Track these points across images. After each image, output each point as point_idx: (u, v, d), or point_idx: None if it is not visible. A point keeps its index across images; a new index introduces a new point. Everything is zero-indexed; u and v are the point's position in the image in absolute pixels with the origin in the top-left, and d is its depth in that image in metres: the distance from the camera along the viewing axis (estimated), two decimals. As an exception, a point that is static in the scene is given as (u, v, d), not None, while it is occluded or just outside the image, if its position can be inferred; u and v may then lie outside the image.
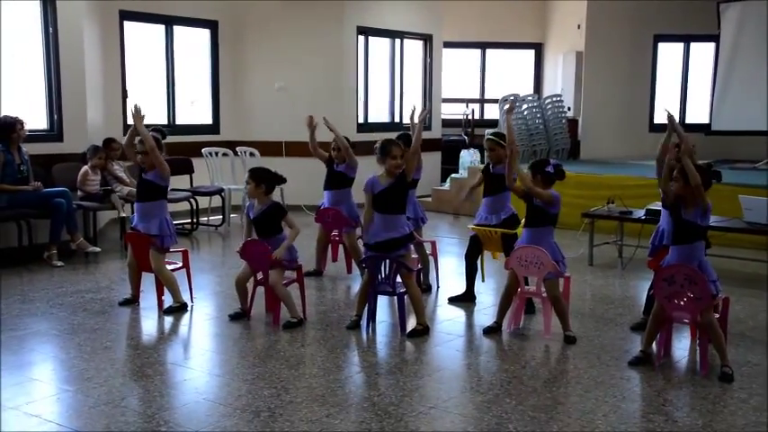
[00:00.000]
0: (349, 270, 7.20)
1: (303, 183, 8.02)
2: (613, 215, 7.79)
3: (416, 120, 5.77)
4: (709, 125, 12.09)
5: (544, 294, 5.36)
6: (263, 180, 5.62)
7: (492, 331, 5.44)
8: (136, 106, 5.78)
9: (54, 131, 8.27)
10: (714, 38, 12.22)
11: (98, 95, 9.28)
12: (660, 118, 13.21)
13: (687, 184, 4.58)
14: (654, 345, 4.89)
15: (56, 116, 8.23)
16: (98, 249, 7.84)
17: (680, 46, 13.33)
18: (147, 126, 5.95)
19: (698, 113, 13.13)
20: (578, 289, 6.62)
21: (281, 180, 5.75)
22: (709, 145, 11.40)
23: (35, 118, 8.09)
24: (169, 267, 6.08)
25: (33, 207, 7.42)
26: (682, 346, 5.23)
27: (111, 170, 8.32)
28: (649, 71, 13.25)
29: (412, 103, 12.40)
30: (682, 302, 4.67)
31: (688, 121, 13.25)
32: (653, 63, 13.28)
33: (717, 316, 4.84)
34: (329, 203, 7.04)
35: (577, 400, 4.31)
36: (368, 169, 6.01)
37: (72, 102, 8.31)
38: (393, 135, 6.45)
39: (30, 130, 7.67)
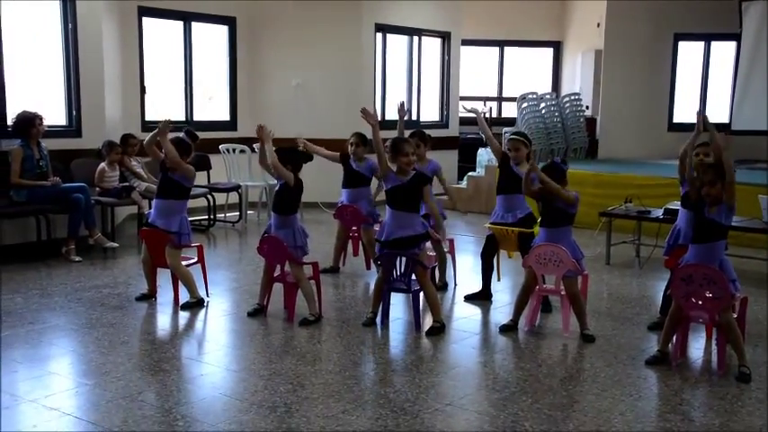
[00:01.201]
0: (368, 266, 7.20)
1: (320, 180, 8.03)
2: (631, 214, 7.75)
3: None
4: (729, 125, 11.99)
5: (563, 292, 5.33)
6: (289, 158, 5.65)
7: (508, 329, 5.43)
8: (166, 121, 5.77)
9: (73, 127, 8.32)
10: (735, 36, 12.12)
11: (116, 91, 9.33)
12: (680, 117, 13.17)
13: (716, 183, 4.55)
14: (671, 344, 4.86)
15: (74, 112, 8.28)
16: (116, 245, 7.89)
17: (700, 45, 13.21)
18: (176, 123, 5.94)
19: (718, 113, 13.01)
20: (595, 288, 6.60)
21: (308, 158, 5.85)
22: (729, 145, 11.28)
23: (54, 113, 8.15)
24: (184, 263, 6.10)
25: (52, 202, 7.48)
26: (699, 346, 5.19)
27: (128, 166, 8.36)
28: (669, 70, 13.15)
29: (430, 103, 12.58)
30: (699, 302, 4.64)
31: (708, 120, 13.13)
32: (673, 62, 13.17)
33: (735, 316, 4.81)
34: (347, 201, 7.05)
35: (594, 398, 4.29)
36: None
37: (90, 97, 8.35)
38: (409, 133, 6.47)
39: (48, 126, 7.72)
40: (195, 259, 6.29)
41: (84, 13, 8.19)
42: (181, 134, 6.07)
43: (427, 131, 6.90)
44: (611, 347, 5.13)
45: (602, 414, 4.04)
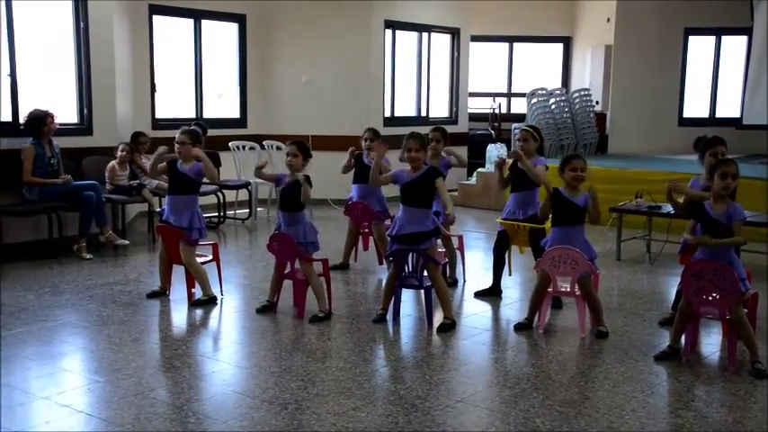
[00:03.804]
0: (380, 262, 7.20)
1: (330, 176, 8.03)
2: (642, 210, 7.72)
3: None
4: (740, 119, 11.93)
5: (577, 293, 5.31)
6: (306, 151, 5.65)
7: (523, 327, 5.39)
8: (164, 149, 5.90)
9: (84, 125, 8.35)
10: (746, 31, 12.05)
11: (127, 89, 9.36)
12: (690, 112, 13.12)
13: (736, 177, 4.57)
14: (682, 340, 4.84)
15: (86, 110, 8.31)
16: (127, 242, 7.92)
17: (711, 39, 13.15)
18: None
19: (729, 108, 12.96)
20: (606, 284, 6.58)
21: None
22: (740, 139, 11.25)
23: (65, 112, 8.18)
24: (199, 260, 6.12)
25: (63, 200, 7.51)
26: (711, 342, 5.18)
27: (139, 163, 8.38)
28: (679, 65, 13.09)
29: (440, 100, 12.54)
30: (710, 298, 4.62)
31: (718, 115, 13.09)
32: (683, 57, 13.11)
33: (746, 311, 4.78)
34: (358, 197, 7.05)
35: (605, 395, 4.28)
36: (396, 165, 6.00)
37: (102, 96, 8.38)
38: (419, 129, 6.45)
39: (60, 124, 7.74)
40: (210, 257, 6.30)
41: (96, 12, 8.21)
42: (193, 126, 6.11)
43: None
44: (623, 344, 5.12)
45: (614, 410, 4.04)
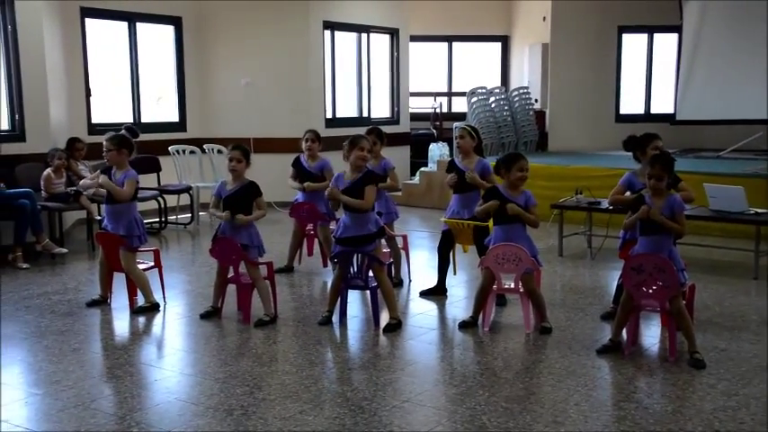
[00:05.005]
0: (325, 264, 7.17)
1: (272, 179, 7.97)
2: (582, 206, 7.85)
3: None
4: (673, 115, 12.22)
5: (521, 290, 5.36)
6: (248, 156, 5.59)
7: (467, 326, 5.43)
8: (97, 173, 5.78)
9: (16, 131, 8.13)
10: (677, 29, 12.35)
11: (61, 94, 9.14)
12: (626, 109, 13.38)
13: (663, 177, 4.65)
14: (624, 333, 4.93)
15: (17, 116, 8.09)
16: (64, 250, 7.74)
17: (644, 37, 13.43)
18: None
19: (663, 104, 13.26)
20: (549, 280, 6.67)
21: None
22: (674, 135, 11.53)
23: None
24: (141, 267, 6.02)
25: (-3, 209, 7.31)
26: (651, 334, 5.29)
27: (75, 170, 8.20)
28: (614, 62, 13.34)
29: (381, 100, 12.57)
30: (650, 291, 4.72)
31: (653, 111, 13.38)
32: (618, 54, 13.36)
33: (684, 302, 4.90)
34: (304, 199, 6.99)
35: (550, 390, 4.34)
36: (338, 166, 5.97)
37: (34, 101, 8.17)
38: (361, 130, 6.45)
39: (-9, 131, 7.54)
40: (152, 263, 6.20)
41: (24, 15, 8.00)
42: (122, 131, 5.99)
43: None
44: (566, 338, 5.19)
45: (558, 405, 4.09)
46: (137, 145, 6.20)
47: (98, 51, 10.05)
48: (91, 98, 9.91)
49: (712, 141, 12.14)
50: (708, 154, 11.33)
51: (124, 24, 10.28)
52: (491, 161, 6.03)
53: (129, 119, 10.25)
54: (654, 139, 5.49)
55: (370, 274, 5.44)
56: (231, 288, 5.77)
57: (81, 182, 8.06)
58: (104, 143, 5.81)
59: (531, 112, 12.82)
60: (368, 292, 5.64)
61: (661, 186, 4.69)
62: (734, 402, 4.10)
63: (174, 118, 11.04)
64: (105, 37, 10.18)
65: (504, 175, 5.32)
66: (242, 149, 5.57)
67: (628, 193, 5.41)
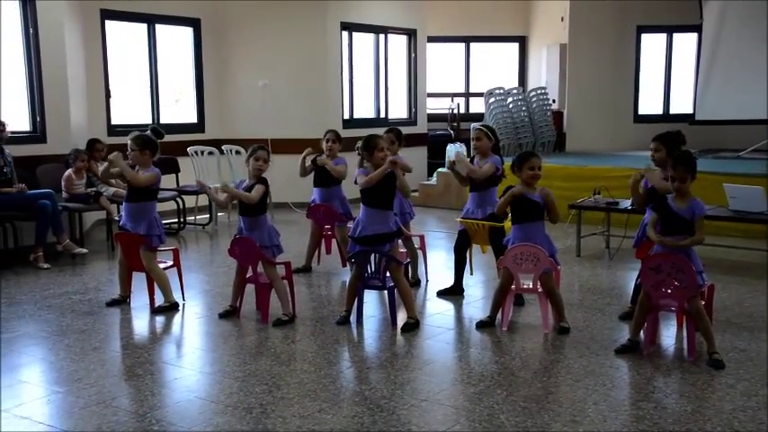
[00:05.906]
0: (344, 264, 7.18)
1: (290, 180, 8.00)
2: (600, 206, 7.83)
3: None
4: (692, 115, 12.15)
5: (540, 290, 5.35)
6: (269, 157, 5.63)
7: (485, 325, 5.43)
8: (116, 154, 5.82)
9: (37, 133, 8.22)
10: (697, 28, 12.28)
11: (81, 96, 9.23)
12: (645, 109, 13.31)
13: (686, 179, 4.62)
14: (641, 333, 4.92)
15: (38, 117, 8.18)
16: (85, 251, 7.81)
17: (663, 36, 13.37)
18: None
19: (682, 104, 13.19)
20: (567, 280, 6.65)
21: None
22: (694, 135, 11.43)
23: (18, 119, 8.04)
24: (160, 266, 6.06)
25: (18, 209, 7.38)
26: (669, 334, 5.26)
27: (95, 171, 8.27)
28: (633, 62, 13.30)
29: (398, 101, 12.58)
30: (668, 290, 4.70)
31: (672, 111, 13.31)
32: (636, 54, 13.32)
33: (702, 303, 4.87)
34: (320, 200, 7.03)
35: (568, 389, 4.33)
36: (354, 167, 5.98)
37: (54, 103, 8.26)
38: (378, 130, 6.47)
39: (12, 132, 7.63)
40: (171, 263, 6.24)
41: (46, 17, 8.09)
42: (147, 132, 6.03)
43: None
44: (584, 338, 5.18)
45: (576, 404, 4.08)
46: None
47: (118, 53, 10.14)
48: (111, 99, 9.99)
49: (732, 141, 12.06)
50: (727, 154, 11.25)
51: (143, 26, 10.36)
52: (507, 162, 6.03)
53: (149, 120, 10.33)
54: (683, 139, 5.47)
55: (388, 274, 5.45)
56: (250, 288, 5.80)
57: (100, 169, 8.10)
58: (128, 142, 5.86)
59: (548, 113, 12.80)
60: (385, 292, 5.65)
61: (684, 188, 4.67)
62: (754, 403, 4.08)
63: (193, 119, 11.11)
64: (125, 39, 10.27)
65: (516, 174, 5.33)
66: (267, 150, 5.62)
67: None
